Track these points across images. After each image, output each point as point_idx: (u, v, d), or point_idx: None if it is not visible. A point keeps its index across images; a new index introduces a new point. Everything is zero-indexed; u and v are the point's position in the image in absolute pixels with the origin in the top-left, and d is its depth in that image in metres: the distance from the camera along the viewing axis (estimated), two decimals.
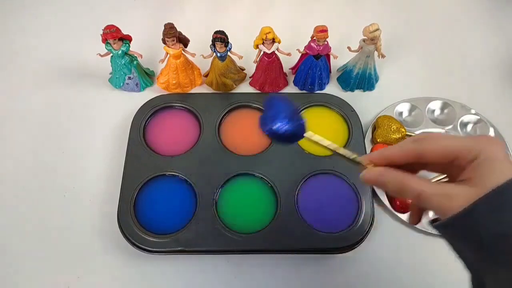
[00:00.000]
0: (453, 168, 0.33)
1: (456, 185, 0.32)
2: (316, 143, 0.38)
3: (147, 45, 0.63)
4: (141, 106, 0.61)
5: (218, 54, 0.60)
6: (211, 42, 0.59)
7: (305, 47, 0.60)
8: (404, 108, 0.63)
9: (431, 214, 0.56)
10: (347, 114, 0.61)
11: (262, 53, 0.60)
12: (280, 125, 0.37)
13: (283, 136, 0.37)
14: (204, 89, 0.66)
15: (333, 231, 0.52)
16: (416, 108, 0.63)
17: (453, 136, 0.33)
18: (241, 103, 0.62)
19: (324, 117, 0.62)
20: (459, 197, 0.31)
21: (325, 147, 0.38)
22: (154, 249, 0.51)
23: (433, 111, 0.64)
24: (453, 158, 0.33)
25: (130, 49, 0.61)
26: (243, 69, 0.66)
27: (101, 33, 0.58)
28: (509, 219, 0.29)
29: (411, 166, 0.35)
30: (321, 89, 0.65)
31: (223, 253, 0.52)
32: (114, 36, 0.58)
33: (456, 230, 0.31)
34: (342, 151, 0.37)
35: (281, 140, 0.38)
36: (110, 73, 0.65)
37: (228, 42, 0.58)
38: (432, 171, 0.37)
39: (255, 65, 0.63)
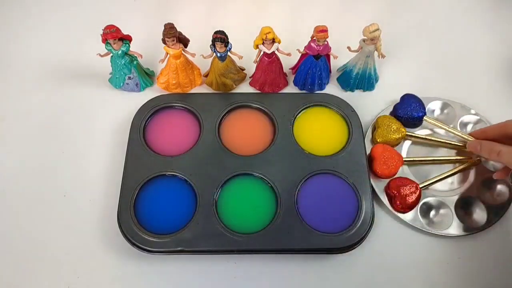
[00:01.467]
0: None
1: None
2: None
3: (147, 45, 0.63)
4: (141, 106, 0.61)
5: (218, 54, 0.60)
6: (211, 42, 0.59)
7: (305, 47, 0.60)
8: None
9: (430, 214, 0.56)
10: (347, 114, 0.61)
11: (262, 53, 0.60)
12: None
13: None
14: (204, 89, 0.66)
15: (333, 231, 0.52)
16: None
17: None
18: (241, 103, 0.62)
19: (324, 117, 0.62)
20: None
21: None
22: (154, 249, 0.51)
23: (433, 111, 0.64)
24: None
25: (130, 49, 0.61)
26: (243, 69, 0.66)
27: (101, 33, 0.58)
28: None
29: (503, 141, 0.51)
30: (321, 89, 0.65)
31: (223, 253, 0.52)
32: (114, 36, 0.57)
33: None
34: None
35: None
36: (110, 73, 0.65)
37: (228, 42, 0.58)
38: None
39: (255, 65, 0.63)
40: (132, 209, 0.53)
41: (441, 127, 0.61)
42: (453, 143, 0.60)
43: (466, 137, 0.59)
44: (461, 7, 0.77)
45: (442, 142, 0.60)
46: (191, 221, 0.52)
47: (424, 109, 0.61)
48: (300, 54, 0.63)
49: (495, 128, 0.54)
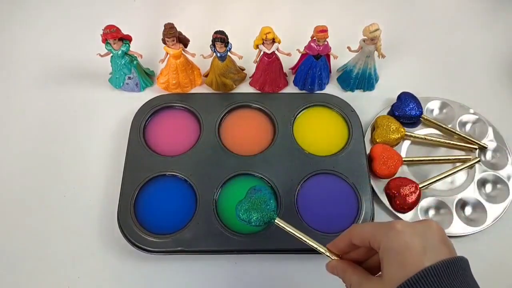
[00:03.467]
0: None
1: (372, 281, 0.35)
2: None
3: (147, 45, 0.64)
4: (141, 106, 0.61)
5: (218, 54, 0.60)
6: (211, 42, 0.59)
7: (305, 47, 0.60)
8: None
9: (430, 214, 0.56)
10: (347, 114, 0.61)
11: (262, 53, 0.60)
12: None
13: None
14: (204, 89, 0.66)
15: (333, 231, 0.52)
16: None
17: (375, 223, 0.37)
18: (241, 103, 0.62)
19: (324, 117, 0.62)
20: None
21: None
22: (154, 249, 0.51)
23: (432, 110, 0.64)
24: (368, 244, 0.36)
25: (130, 49, 0.61)
26: (243, 69, 0.66)
27: (101, 33, 0.58)
28: None
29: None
30: (321, 89, 0.65)
31: (223, 253, 0.52)
32: (114, 36, 0.58)
33: None
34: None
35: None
36: (110, 73, 0.65)
37: (228, 42, 0.58)
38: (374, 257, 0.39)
39: (255, 65, 0.63)
40: (132, 209, 0.53)
41: (439, 126, 0.61)
42: (452, 142, 0.60)
43: (466, 136, 0.59)
44: (460, 7, 0.77)
45: (441, 141, 0.60)
46: (191, 221, 0.53)
47: (421, 108, 0.61)
48: (300, 54, 0.63)
49: (343, 239, 0.40)
